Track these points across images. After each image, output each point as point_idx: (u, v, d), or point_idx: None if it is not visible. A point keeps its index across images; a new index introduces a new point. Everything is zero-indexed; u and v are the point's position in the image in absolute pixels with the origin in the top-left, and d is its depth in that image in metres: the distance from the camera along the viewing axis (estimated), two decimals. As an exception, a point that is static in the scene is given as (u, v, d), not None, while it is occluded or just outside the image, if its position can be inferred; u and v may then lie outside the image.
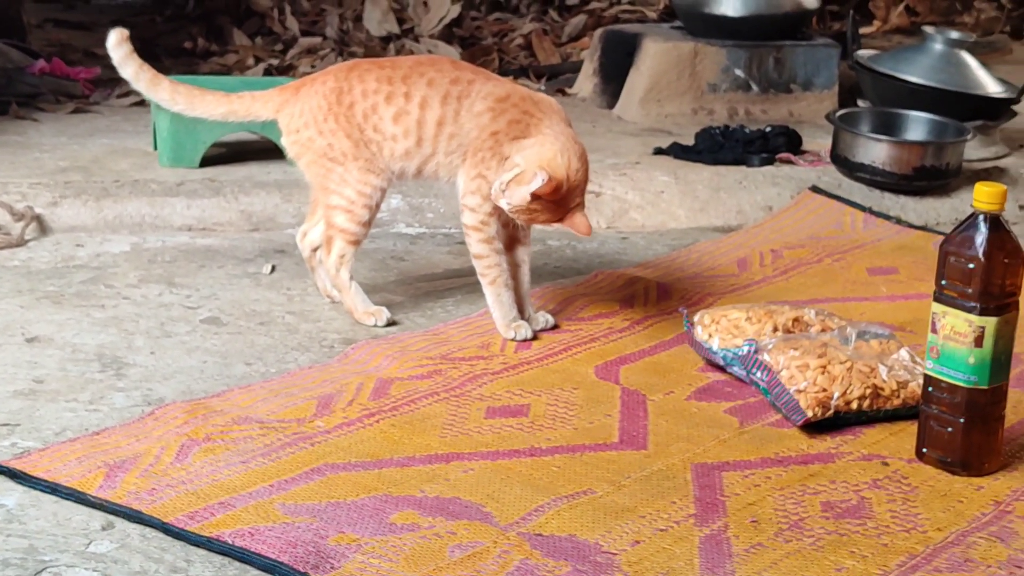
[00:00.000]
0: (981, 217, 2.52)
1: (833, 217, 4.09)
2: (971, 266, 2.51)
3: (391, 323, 3.19)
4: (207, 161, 4.10)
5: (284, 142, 3.19)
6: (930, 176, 4.22)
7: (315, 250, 3.26)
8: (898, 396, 2.76)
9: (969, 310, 2.51)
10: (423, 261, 3.68)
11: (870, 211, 4.13)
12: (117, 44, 3.13)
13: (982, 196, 2.52)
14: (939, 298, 2.56)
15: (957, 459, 2.57)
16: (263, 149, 4.19)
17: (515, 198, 2.91)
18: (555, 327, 3.16)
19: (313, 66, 5.43)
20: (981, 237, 2.52)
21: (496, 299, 3.08)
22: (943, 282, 2.55)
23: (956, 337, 2.53)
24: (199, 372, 2.91)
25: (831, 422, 2.73)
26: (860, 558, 2.26)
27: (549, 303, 3.30)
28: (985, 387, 2.54)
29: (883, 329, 2.96)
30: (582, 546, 2.26)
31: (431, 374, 2.90)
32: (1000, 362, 2.54)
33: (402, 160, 3.09)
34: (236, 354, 3.01)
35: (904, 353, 2.85)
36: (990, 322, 2.50)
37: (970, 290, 2.51)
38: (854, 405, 2.73)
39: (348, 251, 3.14)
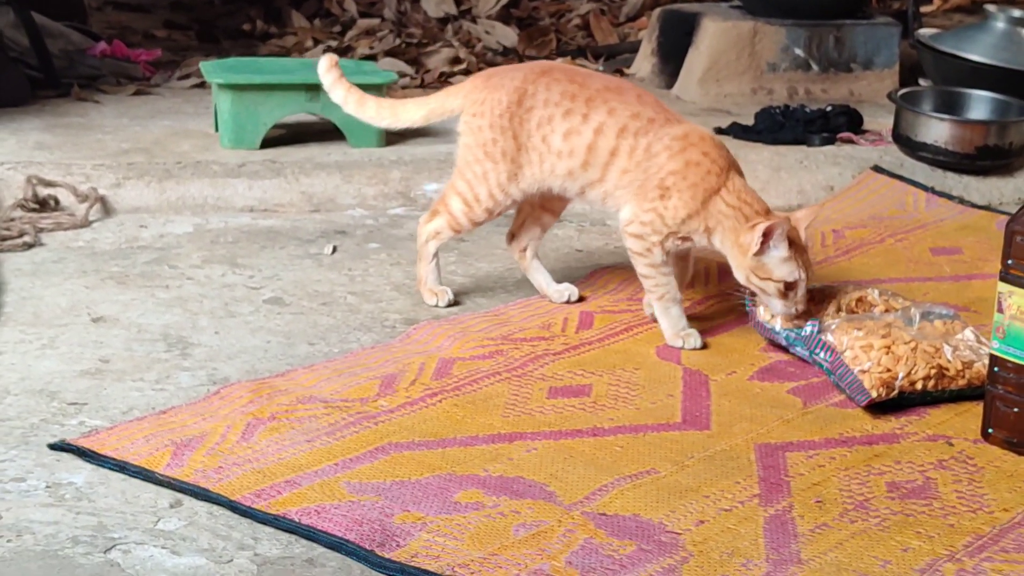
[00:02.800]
0: (1049, 196, 2.51)
1: (895, 197, 4.06)
2: (1038, 245, 2.49)
3: (452, 303, 3.19)
4: (268, 142, 4.12)
5: (460, 118, 3.13)
6: (993, 155, 4.18)
7: (524, 250, 3.24)
8: (963, 376, 2.74)
9: (1036, 290, 2.50)
10: (484, 242, 3.68)
11: (933, 191, 4.10)
12: (327, 69, 3.20)
13: (1050, 174, 2.50)
14: (1005, 278, 2.54)
15: (1023, 439, 2.55)
16: (323, 131, 4.21)
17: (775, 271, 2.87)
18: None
19: (371, 47, 5.44)
20: (1049, 216, 2.50)
21: (664, 311, 3.01)
22: (1009, 262, 2.53)
23: (1023, 317, 2.51)
24: (263, 352, 2.93)
25: (895, 402, 2.71)
26: (926, 538, 2.25)
27: (610, 283, 3.30)
28: (1052, 367, 2.52)
29: (947, 309, 2.94)
30: (646, 525, 2.27)
31: (492, 354, 2.91)
32: (1068, 342, 2.52)
33: (562, 179, 3.04)
34: (299, 334, 3.03)
35: (969, 333, 2.83)
36: (1058, 302, 2.49)
37: (1037, 269, 2.50)
38: (919, 385, 2.71)
39: (446, 234, 3.16)
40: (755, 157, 4.20)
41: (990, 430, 2.59)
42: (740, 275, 2.91)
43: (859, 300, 2.99)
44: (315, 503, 2.29)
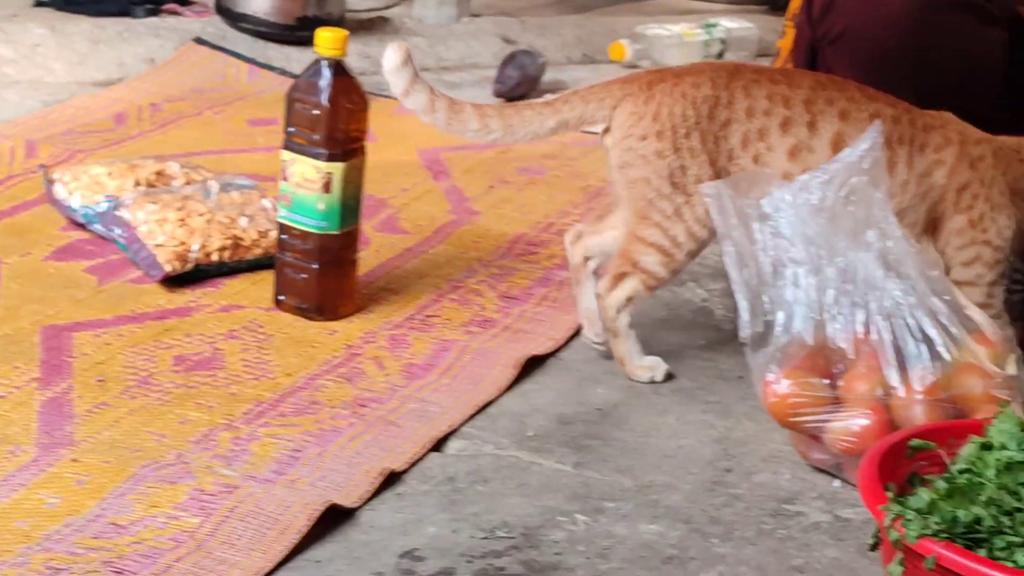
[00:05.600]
0: (324, 63, 2.54)
1: (217, 69, 4.02)
2: (316, 112, 2.52)
3: (669, 376, 2.53)
4: None
5: (611, 143, 2.45)
6: (313, 25, 4.15)
7: (589, 259, 2.55)
8: (259, 246, 2.75)
9: (316, 156, 2.53)
10: None
11: (254, 62, 4.09)
12: (401, 65, 2.40)
13: (324, 42, 2.54)
14: (288, 145, 2.56)
15: (312, 304, 2.59)
16: None
17: None
18: None
19: None
20: (325, 83, 2.53)
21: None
22: (291, 129, 2.56)
23: (306, 184, 2.54)
24: None
25: (192, 275, 2.69)
26: (206, 409, 2.25)
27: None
28: (336, 232, 2.57)
29: (247, 180, 2.95)
30: (-91, 420, 2.14)
31: None
32: (350, 207, 2.58)
33: None
34: None
35: (266, 203, 2.85)
36: (337, 168, 2.53)
37: (316, 136, 2.53)
38: (215, 257, 2.70)
39: (642, 296, 2.46)
40: (74, 29, 4.03)
41: (282, 297, 2.62)
42: None
43: (159, 174, 2.93)
44: None
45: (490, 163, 3.51)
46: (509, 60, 4.13)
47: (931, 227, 2.39)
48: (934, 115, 2.44)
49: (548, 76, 4.28)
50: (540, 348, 2.56)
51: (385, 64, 2.41)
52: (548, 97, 2.73)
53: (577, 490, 2.13)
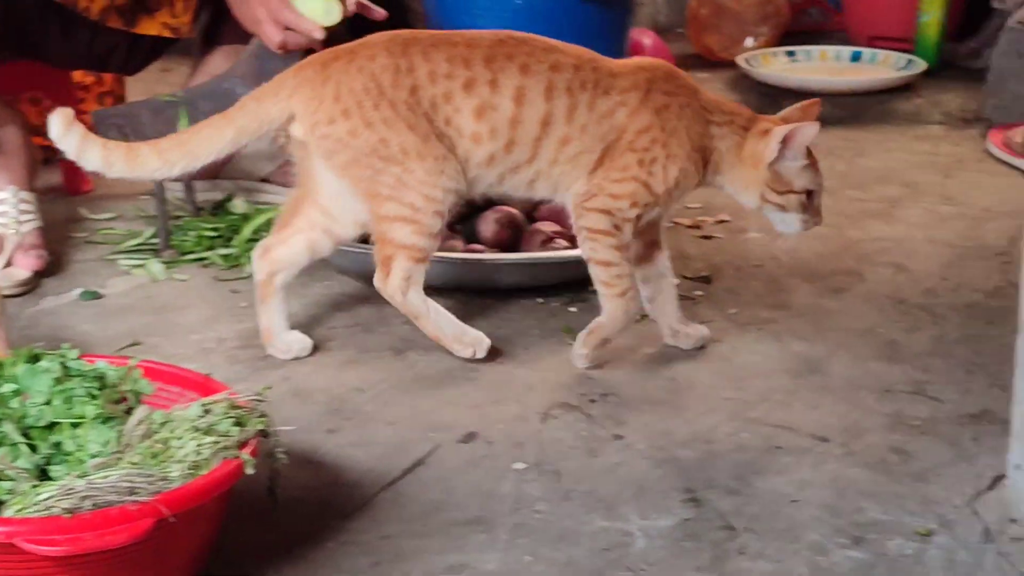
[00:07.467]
0: None
1: None
2: None
3: (490, 349, 2.44)
4: None
5: (303, 135, 2.32)
6: None
7: (275, 275, 2.42)
8: None
9: None
10: None
11: None
12: (66, 130, 2.18)
13: None
14: None
15: None
16: None
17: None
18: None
19: None
20: None
21: (624, 312, 2.40)
22: None
23: None
24: None
25: None
26: None
27: None
28: None
29: None
30: None
31: None
32: None
33: (481, 168, 2.34)
34: None
35: None
36: None
37: None
38: None
39: (416, 271, 2.35)
40: None
41: None
42: (752, 195, 2.42)
43: None
44: None
45: None
46: None
47: (598, 164, 2.38)
48: (629, 62, 2.43)
49: None
50: None
51: (51, 134, 2.20)
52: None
53: None
